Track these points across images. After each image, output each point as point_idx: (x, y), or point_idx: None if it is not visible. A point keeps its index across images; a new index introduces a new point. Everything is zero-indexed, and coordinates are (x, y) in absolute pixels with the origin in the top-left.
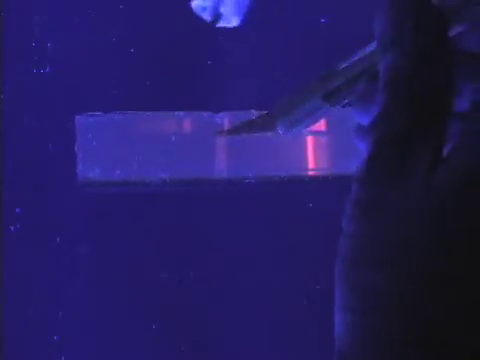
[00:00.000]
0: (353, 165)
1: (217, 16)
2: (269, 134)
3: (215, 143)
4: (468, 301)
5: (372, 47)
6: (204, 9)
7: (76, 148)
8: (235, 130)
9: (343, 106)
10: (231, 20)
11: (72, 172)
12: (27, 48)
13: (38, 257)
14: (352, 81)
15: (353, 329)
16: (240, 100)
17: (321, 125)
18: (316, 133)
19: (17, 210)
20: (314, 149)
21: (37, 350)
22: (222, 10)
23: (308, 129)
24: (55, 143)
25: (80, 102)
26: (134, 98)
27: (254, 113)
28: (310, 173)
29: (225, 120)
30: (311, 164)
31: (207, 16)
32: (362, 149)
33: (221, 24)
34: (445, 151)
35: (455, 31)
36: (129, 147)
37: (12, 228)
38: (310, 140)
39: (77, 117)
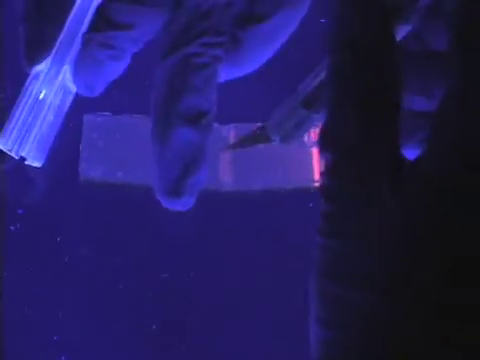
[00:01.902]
0: None
1: (21, 158)
2: (273, 145)
3: (220, 154)
4: (437, 320)
5: None
6: (11, 150)
7: (81, 146)
8: (237, 145)
9: None
10: (35, 161)
11: (74, 172)
12: None
13: (38, 257)
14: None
15: (323, 342)
16: (242, 107)
17: None
18: None
19: (18, 210)
20: (319, 160)
21: (37, 350)
22: (23, 154)
23: (312, 141)
24: (56, 143)
25: (82, 104)
26: (143, 103)
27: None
28: (316, 184)
29: (231, 133)
30: (317, 175)
31: (15, 156)
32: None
33: (29, 163)
34: (410, 155)
35: (405, 31)
36: (135, 151)
37: (12, 228)
38: (315, 151)
39: (85, 116)
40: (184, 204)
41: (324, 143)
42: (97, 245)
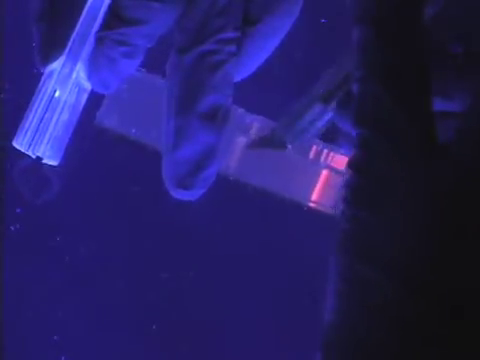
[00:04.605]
0: None
1: (38, 158)
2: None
3: (235, 141)
4: (451, 314)
5: None
6: (27, 150)
7: (106, 94)
8: (253, 145)
9: None
10: (51, 160)
11: (72, 172)
12: (27, 48)
13: (38, 257)
14: (344, 82)
15: (338, 315)
16: (244, 104)
17: (342, 163)
18: (334, 170)
19: (17, 210)
20: (324, 184)
21: (37, 350)
22: (39, 153)
23: (327, 163)
24: None
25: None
26: None
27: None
28: (311, 204)
29: (254, 123)
30: (315, 196)
31: (32, 155)
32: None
33: (45, 162)
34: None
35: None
36: (155, 113)
37: (12, 228)
38: (325, 174)
39: None
40: (193, 196)
41: (355, 118)
42: (97, 245)
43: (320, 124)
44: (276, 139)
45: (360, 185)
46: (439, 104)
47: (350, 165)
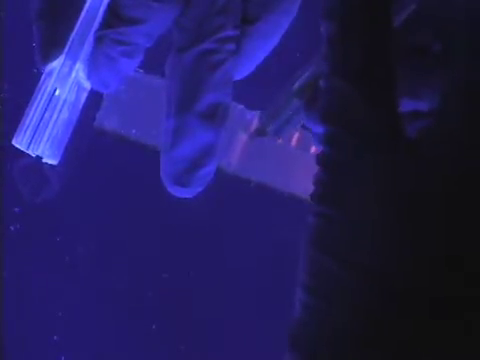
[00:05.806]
0: None
1: (37, 157)
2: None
3: (236, 137)
4: (415, 304)
5: None
6: (27, 149)
7: (104, 95)
8: (252, 137)
9: None
10: (51, 159)
11: (72, 172)
12: (27, 47)
13: (38, 257)
14: (318, 78)
15: (304, 306)
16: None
17: None
18: None
19: (16, 210)
20: None
21: (37, 350)
22: (39, 152)
23: None
24: None
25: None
26: None
27: None
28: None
29: (255, 119)
30: None
31: (32, 154)
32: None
33: (45, 161)
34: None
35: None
36: (154, 113)
37: (12, 228)
38: None
39: None
40: (191, 193)
41: (322, 114)
42: (97, 245)
43: (299, 118)
44: (261, 129)
45: (327, 181)
46: (408, 104)
47: (318, 161)
